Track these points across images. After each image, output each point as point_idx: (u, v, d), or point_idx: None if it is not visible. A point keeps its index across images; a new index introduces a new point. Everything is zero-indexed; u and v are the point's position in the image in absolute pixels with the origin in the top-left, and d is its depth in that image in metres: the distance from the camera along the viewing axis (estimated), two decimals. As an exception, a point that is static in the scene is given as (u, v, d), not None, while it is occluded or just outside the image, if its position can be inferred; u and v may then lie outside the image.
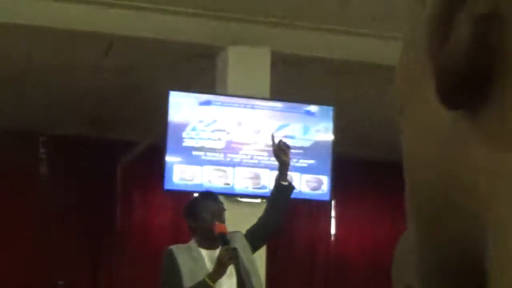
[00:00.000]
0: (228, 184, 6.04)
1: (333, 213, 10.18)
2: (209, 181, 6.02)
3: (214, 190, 5.97)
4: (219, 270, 4.38)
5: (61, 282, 6.68)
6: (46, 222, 8.91)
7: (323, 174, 6.19)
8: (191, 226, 4.71)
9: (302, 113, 6.29)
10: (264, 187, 6.03)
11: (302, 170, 6.15)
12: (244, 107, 6.16)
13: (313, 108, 6.33)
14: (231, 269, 4.45)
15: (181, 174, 6.00)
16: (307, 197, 6.25)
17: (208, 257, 4.55)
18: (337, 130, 6.34)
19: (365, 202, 10.27)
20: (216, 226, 4.48)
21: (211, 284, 4.37)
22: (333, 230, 10.23)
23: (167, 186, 6.05)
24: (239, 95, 6.17)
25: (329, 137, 6.31)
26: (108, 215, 9.53)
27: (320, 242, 10.01)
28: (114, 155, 9.39)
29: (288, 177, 4.79)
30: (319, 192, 6.19)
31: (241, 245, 4.58)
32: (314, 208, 9.65)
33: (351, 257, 10.18)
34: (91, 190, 9.36)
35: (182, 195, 9.07)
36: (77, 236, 9.26)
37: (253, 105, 6.17)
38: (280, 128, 6.13)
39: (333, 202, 9.14)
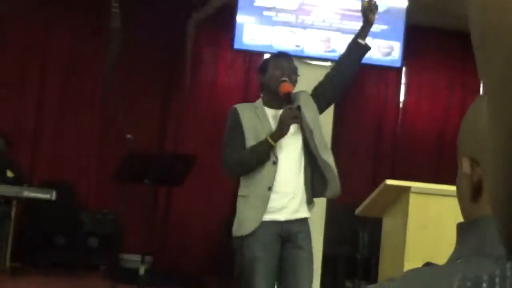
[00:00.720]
0: (299, 46, 6.00)
1: (403, 80, 10.10)
2: (279, 42, 5.98)
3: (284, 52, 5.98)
4: (281, 129, 4.33)
5: (129, 136, 6.77)
6: (116, 75, 9.03)
7: (395, 40, 6.10)
8: (261, 82, 4.68)
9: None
10: (334, 51, 5.98)
11: (374, 35, 6.04)
12: (318, -33, 6.04)
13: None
14: (296, 128, 4.44)
15: (251, 34, 5.96)
16: (378, 62, 6.19)
17: (272, 116, 4.51)
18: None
19: (436, 71, 10.14)
20: (282, 85, 4.44)
21: (273, 143, 4.35)
22: (402, 97, 10.16)
23: (237, 45, 6.04)
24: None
25: (404, 3, 6.17)
26: (178, 71, 9.59)
27: (388, 109, 9.96)
28: (187, 12, 9.36)
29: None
30: (390, 58, 6.12)
31: (306, 104, 4.51)
32: (384, 74, 9.56)
33: (419, 125, 10.14)
34: (162, 45, 9.41)
35: (251, 55, 9.13)
36: (147, 91, 9.38)
37: (327, -34, 6.04)
38: (355, -9, 6.01)
39: (403, 69, 9.04)
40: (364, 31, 4.62)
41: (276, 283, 4.49)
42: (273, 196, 4.42)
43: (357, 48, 4.64)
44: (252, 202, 4.45)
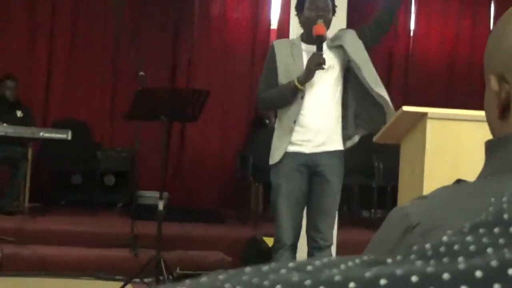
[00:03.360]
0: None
1: (413, 9, 10.02)
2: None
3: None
4: (306, 74, 4.56)
5: (141, 73, 6.76)
6: (127, 13, 8.99)
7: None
8: (298, 20, 4.85)
9: None
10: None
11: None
12: None
13: None
14: (331, 65, 4.64)
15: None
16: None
17: (307, 52, 4.70)
18: None
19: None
20: (315, 27, 4.56)
21: (299, 86, 4.58)
22: (412, 26, 10.10)
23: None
24: None
25: None
26: (187, 7, 9.53)
27: (399, 37, 9.91)
28: None
29: None
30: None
31: (351, 43, 4.67)
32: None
33: (430, 52, 10.09)
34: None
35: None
36: (157, 27, 9.34)
37: None
38: None
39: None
40: None
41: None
42: (297, 128, 4.66)
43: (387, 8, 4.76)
44: (280, 134, 4.73)
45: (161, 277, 5.90)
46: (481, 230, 0.30)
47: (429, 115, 3.52)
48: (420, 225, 1.08)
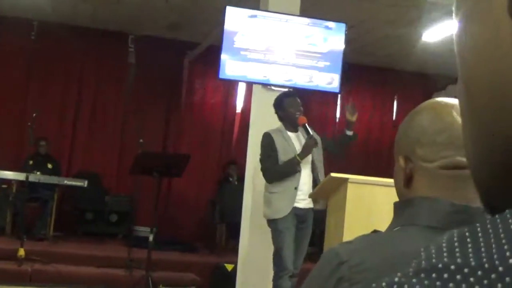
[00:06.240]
0: (265, 77, 5.98)
1: (339, 102, 10.15)
2: (252, 74, 5.96)
3: (255, 81, 5.98)
4: (307, 151, 4.68)
5: (141, 141, 6.74)
6: (133, 96, 8.98)
7: (335, 72, 6.11)
8: (280, 115, 4.94)
9: (323, 27, 6.13)
10: (290, 80, 5.98)
11: (320, 69, 6.06)
12: (280, 20, 6.02)
13: (330, 24, 6.18)
14: (308, 157, 4.75)
15: (232, 67, 5.94)
16: (322, 89, 6.18)
17: (294, 137, 4.84)
18: (346, 42, 6.21)
19: (363, 96, 10.21)
20: (299, 118, 4.67)
21: (299, 160, 4.67)
22: (338, 115, 10.21)
23: (221, 76, 5.99)
24: (277, 11, 6.04)
25: (341, 46, 6.19)
26: (176, 95, 9.57)
27: (328, 123, 10.01)
28: (182, 52, 9.35)
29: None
30: (331, 86, 6.12)
31: (317, 149, 4.81)
32: (326, 98, 9.60)
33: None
34: (165, 75, 9.38)
35: (230, 84, 9.13)
36: (154, 108, 9.34)
37: (287, 19, 6.03)
38: (307, 37, 6.02)
39: (339, 95, 9.07)
40: (348, 126, 4.97)
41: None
42: (297, 192, 4.72)
43: (344, 137, 5.00)
44: (284, 197, 4.71)
45: (148, 291, 5.78)
46: (422, 275, 0.30)
47: (349, 180, 3.53)
48: (348, 262, 1.07)
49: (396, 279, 0.29)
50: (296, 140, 4.81)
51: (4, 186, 7.81)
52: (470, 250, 0.30)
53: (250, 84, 6.76)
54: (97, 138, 9.17)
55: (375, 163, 9.52)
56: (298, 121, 4.74)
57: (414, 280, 0.28)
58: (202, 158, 9.23)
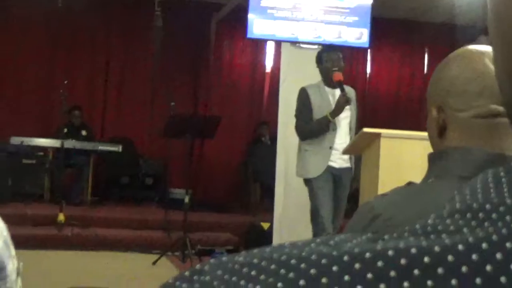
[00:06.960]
0: (294, 35, 5.94)
1: (368, 58, 10.05)
2: (280, 32, 5.92)
3: (283, 39, 5.94)
4: (338, 110, 4.59)
5: (172, 103, 6.78)
6: (161, 60, 8.99)
7: (364, 27, 6.03)
8: (319, 69, 4.82)
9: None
10: (319, 37, 5.93)
11: (348, 24, 6.00)
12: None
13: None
14: (348, 108, 4.68)
15: (259, 26, 5.91)
16: (351, 44, 6.12)
17: (331, 93, 4.73)
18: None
19: (392, 50, 10.07)
20: (334, 74, 4.57)
21: (331, 119, 4.60)
22: (368, 70, 10.12)
23: (249, 35, 5.98)
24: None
25: (369, 0, 6.09)
26: (205, 56, 9.55)
27: (359, 78, 9.92)
28: (209, 13, 9.30)
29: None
30: (360, 41, 6.06)
31: (352, 96, 4.73)
32: (355, 54, 9.49)
33: (380, 89, 10.11)
34: (193, 37, 9.35)
35: (258, 43, 9.07)
36: (183, 70, 9.35)
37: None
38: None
39: (369, 50, 8.97)
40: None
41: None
42: (332, 152, 4.67)
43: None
44: (317, 156, 4.66)
45: (186, 252, 5.89)
46: (456, 216, 0.30)
47: (382, 135, 3.52)
48: (382, 215, 1.09)
49: (430, 221, 0.29)
50: (333, 97, 4.70)
51: (40, 153, 7.94)
52: (505, 189, 0.31)
53: (278, 43, 6.71)
54: (127, 103, 9.23)
55: (405, 117, 9.43)
56: (333, 77, 4.61)
57: (448, 221, 0.29)
58: (232, 119, 9.24)
